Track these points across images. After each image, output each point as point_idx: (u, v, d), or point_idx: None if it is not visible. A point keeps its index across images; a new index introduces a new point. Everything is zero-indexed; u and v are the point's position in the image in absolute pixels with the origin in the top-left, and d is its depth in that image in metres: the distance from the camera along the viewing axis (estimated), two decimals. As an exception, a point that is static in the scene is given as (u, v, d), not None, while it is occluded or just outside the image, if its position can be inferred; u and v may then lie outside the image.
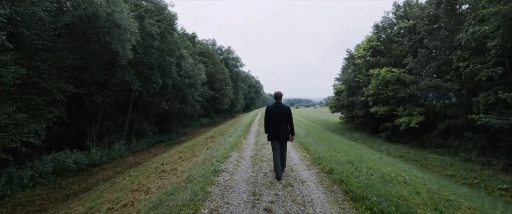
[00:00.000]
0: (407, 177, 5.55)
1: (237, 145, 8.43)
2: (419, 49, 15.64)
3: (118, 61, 13.71)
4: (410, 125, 17.35)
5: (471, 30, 11.80)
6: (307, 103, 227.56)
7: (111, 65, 16.55)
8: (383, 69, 19.16)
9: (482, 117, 11.23)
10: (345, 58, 33.84)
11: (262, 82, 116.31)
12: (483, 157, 13.33)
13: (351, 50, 33.12)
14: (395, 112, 19.14)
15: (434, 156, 15.04)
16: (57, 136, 15.58)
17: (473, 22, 12.18)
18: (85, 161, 15.31)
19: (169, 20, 22.65)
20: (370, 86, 20.31)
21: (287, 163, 5.89)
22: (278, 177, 4.79)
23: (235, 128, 14.32)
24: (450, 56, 13.41)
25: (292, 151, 7.49)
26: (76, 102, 16.50)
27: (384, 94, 19.36)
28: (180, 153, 10.20)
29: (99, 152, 16.93)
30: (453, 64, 13.21)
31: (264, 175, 5.02)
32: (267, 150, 7.35)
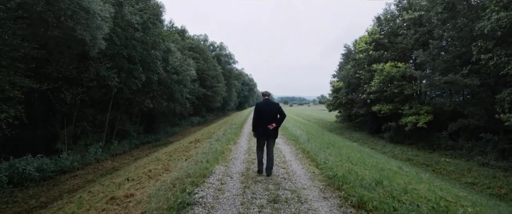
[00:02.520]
0: (470, 210, 3.84)
1: (225, 153, 6.64)
2: (430, 41, 14.07)
3: (86, 51, 11.70)
4: (418, 125, 15.82)
5: (495, 16, 10.22)
6: (301, 102, 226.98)
7: (84, 57, 14.50)
8: (388, 64, 17.57)
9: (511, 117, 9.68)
10: (343, 54, 32.32)
11: (256, 80, 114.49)
12: (504, 161, 11.86)
13: (349, 46, 31.63)
14: (400, 111, 17.59)
15: (447, 160, 13.52)
16: (21, 139, 13.58)
17: (496, 8, 10.60)
18: (52, 168, 13.27)
19: (153, 10, 20.61)
20: (372, 83, 18.71)
21: (293, 186, 4.16)
22: (260, 171, 4.88)
23: (225, 129, 12.49)
24: (468, 48, 11.85)
25: (295, 162, 5.74)
26: (43, 100, 14.44)
27: (388, 91, 17.79)
28: (157, 161, 8.35)
29: (71, 156, 14.91)
30: (471, 57, 11.64)
31: (259, 211, 3.24)
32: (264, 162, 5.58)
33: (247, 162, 5.74)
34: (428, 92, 20.25)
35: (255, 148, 7.21)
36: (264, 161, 4.97)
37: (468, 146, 14.51)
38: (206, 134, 13.01)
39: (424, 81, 18.42)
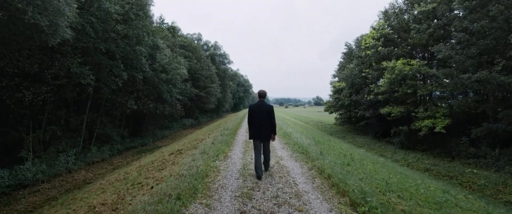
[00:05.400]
0: None
1: (209, 176, 4.62)
2: (454, 33, 12.26)
3: (43, 40, 9.55)
4: (435, 130, 13.98)
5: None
6: (296, 103, 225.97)
7: (51, 50, 12.33)
8: (399, 61, 15.71)
9: None
10: (344, 53, 30.53)
11: (252, 81, 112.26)
12: (544, 173, 10.06)
13: (350, 44, 29.86)
14: (413, 113, 15.74)
15: (474, 171, 11.66)
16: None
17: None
18: (8, 181, 11.13)
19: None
20: (382, 82, 16.83)
21: None
22: (259, 176, 4.69)
23: (215, 135, 10.42)
24: (502, 40, 10.05)
25: (314, 197, 3.71)
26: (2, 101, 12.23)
27: (400, 91, 15.91)
28: (121, 182, 6.26)
29: (36, 166, 12.77)
30: (507, 51, 9.82)
31: None
32: (267, 194, 3.57)
33: (240, 197, 3.69)
34: (438, 93, 18.50)
35: (251, 165, 5.27)
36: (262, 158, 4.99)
37: (494, 154, 12.71)
38: (193, 141, 10.92)
39: (434, 82, 16.66)
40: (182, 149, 8.60)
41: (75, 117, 16.23)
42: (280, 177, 4.69)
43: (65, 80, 12.99)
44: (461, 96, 17.01)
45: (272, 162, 5.88)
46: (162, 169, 6.02)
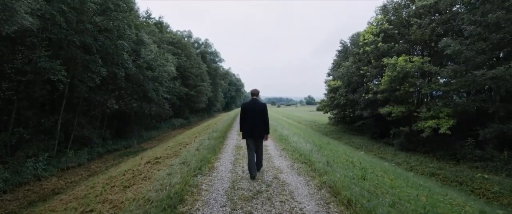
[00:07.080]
0: None
1: (184, 201, 3.37)
2: (464, 27, 11.34)
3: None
4: (440, 131, 13.07)
5: None
6: (288, 102, 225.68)
7: (13, 41, 10.77)
8: (401, 58, 14.75)
9: None
10: (339, 51, 29.59)
11: (244, 81, 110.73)
12: None
13: (345, 42, 28.95)
14: (415, 113, 14.80)
15: (485, 176, 10.75)
16: None
17: None
18: (-42, 194, 9.53)
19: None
20: (382, 80, 15.84)
21: None
22: (253, 177, 4.64)
23: (202, 139, 9.10)
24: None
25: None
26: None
27: (401, 90, 14.95)
28: (85, 198, 4.93)
29: (-2, 174, 11.18)
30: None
31: None
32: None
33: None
34: (436, 92, 17.73)
35: (242, 182, 4.02)
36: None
37: (503, 157, 11.86)
38: (176, 145, 9.57)
39: (438, 80, 15.80)
40: (160, 157, 7.27)
41: (48, 117, 14.63)
42: (281, 202, 3.47)
43: (31, 76, 11.45)
44: (455, 96, 16.21)
45: (269, 176, 4.69)
46: (128, 187, 4.70)
